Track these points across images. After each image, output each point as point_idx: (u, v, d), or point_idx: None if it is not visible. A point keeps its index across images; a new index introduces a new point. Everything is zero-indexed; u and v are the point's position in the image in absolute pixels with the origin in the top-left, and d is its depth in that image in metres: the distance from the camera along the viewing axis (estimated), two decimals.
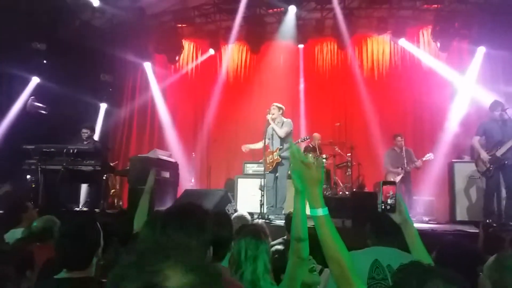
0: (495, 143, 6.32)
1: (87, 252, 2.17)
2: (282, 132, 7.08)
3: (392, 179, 7.98)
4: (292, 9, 9.84)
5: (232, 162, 10.64)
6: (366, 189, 9.09)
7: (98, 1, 9.10)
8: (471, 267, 2.33)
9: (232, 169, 10.29)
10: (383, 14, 10.34)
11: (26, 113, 8.59)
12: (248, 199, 7.80)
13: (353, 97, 10.57)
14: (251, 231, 2.62)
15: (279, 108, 7.23)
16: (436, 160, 8.35)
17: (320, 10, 10.43)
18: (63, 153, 6.69)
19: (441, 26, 9.59)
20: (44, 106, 8.69)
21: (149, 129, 11.51)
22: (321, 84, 11.19)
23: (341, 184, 9.43)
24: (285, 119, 7.26)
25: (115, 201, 9.55)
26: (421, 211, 8.10)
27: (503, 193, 6.39)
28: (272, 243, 3.83)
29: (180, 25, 11.03)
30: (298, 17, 10.25)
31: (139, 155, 8.91)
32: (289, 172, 7.26)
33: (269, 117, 7.10)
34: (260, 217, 6.54)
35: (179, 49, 11.16)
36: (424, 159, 8.02)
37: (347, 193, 8.86)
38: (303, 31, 10.72)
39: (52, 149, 6.81)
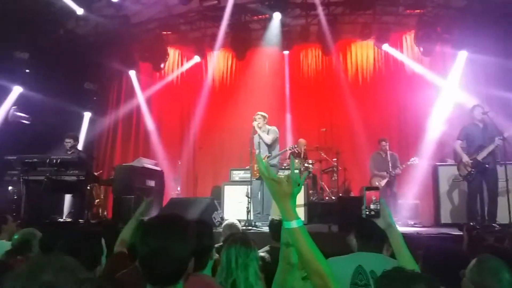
0: (476, 147, 6.40)
1: (86, 268, 2.12)
2: (268, 138, 7.08)
3: (377, 183, 8.04)
4: (277, 16, 9.88)
5: (219, 169, 10.61)
6: (352, 194, 9.15)
7: (82, 10, 9.03)
8: (457, 270, 2.36)
9: (219, 176, 10.24)
10: (366, 20, 10.46)
11: (8, 123, 8.45)
12: (235, 207, 7.76)
13: (338, 102, 10.64)
14: (241, 238, 2.60)
15: (264, 117, 7.24)
16: (420, 163, 8.42)
17: (304, 17, 10.52)
18: (46, 163, 6.58)
19: (423, 31, 9.71)
20: (27, 116, 8.56)
21: (134, 138, 11.40)
22: (306, 89, 11.25)
23: (327, 189, 9.47)
24: (270, 127, 7.27)
25: (100, 211, 9.43)
26: (407, 215, 8.15)
27: (486, 195, 6.46)
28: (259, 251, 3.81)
29: (165, 33, 11.00)
30: (283, 24, 10.30)
31: (124, 164, 8.84)
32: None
33: (255, 124, 7.10)
34: (247, 224, 6.52)
35: (164, 57, 11.13)
36: (408, 163, 8.09)
37: (333, 198, 8.89)
38: (288, 38, 10.77)
39: (35, 160, 6.69)
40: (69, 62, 9.55)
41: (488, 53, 8.77)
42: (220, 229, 5.46)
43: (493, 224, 6.08)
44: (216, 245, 3.45)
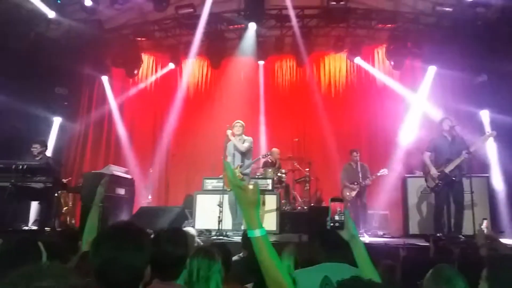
0: (444, 159, 6.57)
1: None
2: (243, 147, 7.08)
3: (348, 194, 8.15)
4: (252, 26, 9.96)
5: (192, 178, 10.52)
6: (324, 204, 9.22)
7: (54, 13, 8.86)
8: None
9: (192, 185, 10.14)
10: (340, 33, 10.67)
11: None
12: (207, 216, 7.71)
13: (311, 113, 10.79)
14: (204, 250, 2.58)
15: (243, 126, 7.25)
16: (390, 175, 8.58)
17: (279, 28, 10.64)
18: (11, 169, 6.39)
19: (394, 45, 10.01)
20: None
21: (105, 145, 11.18)
22: (280, 100, 11.35)
23: (300, 199, 9.53)
24: (246, 137, 7.28)
25: (68, 219, 9.18)
26: (376, 225, 8.30)
27: (452, 207, 6.62)
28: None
29: (139, 39, 10.91)
30: (258, 34, 10.40)
31: (92, 171, 8.66)
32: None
33: (229, 132, 7.09)
34: (218, 234, 6.48)
35: (138, 63, 11.04)
36: (378, 174, 8.22)
37: (305, 207, 8.94)
38: (263, 48, 10.89)
39: (0, 165, 6.50)
40: (39, 66, 9.33)
41: (456, 68, 9.09)
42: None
43: (459, 236, 6.23)
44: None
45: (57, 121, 10.57)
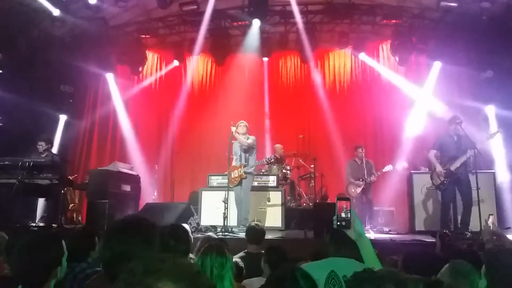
0: (449, 157, 6.54)
1: (43, 269, 2.09)
2: (247, 142, 7.11)
3: (353, 190, 8.14)
4: (256, 23, 9.93)
5: (196, 174, 10.57)
6: (329, 200, 9.22)
7: (58, 11, 8.89)
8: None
9: (197, 182, 10.18)
10: (344, 29, 10.63)
11: None
12: (212, 212, 7.75)
13: (316, 109, 10.76)
14: (216, 247, 2.58)
15: (246, 126, 7.28)
16: (395, 171, 8.56)
17: (283, 24, 10.61)
18: (18, 166, 6.43)
19: (399, 41, 9.95)
20: (0, 117, 8.37)
21: (110, 142, 11.23)
22: (285, 96, 11.34)
23: (305, 196, 9.53)
24: (249, 136, 7.30)
25: (74, 215, 9.24)
26: (382, 222, 8.28)
27: (459, 204, 6.59)
28: (234, 257, 3.80)
29: (143, 36, 10.94)
30: (262, 31, 10.38)
31: (99, 168, 8.70)
32: (252, 185, 7.34)
33: (233, 129, 7.10)
34: (223, 230, 6.50)
35: (143, 60, 11.05)
36: (383, 170, 8.19)
37: (310, 204, 8.94)
38: (267, 45, 10.86)
39: (7, 162, 6.55)
40: (45, 64, 9.38)
41: (461, 64, 9.04)
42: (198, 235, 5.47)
43: (465, 232, 6.21)
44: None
45: (62, 118, 10.62)
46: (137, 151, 10.89)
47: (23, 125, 8.58)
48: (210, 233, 4.65)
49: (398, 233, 7.62)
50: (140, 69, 11.11)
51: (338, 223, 2.04)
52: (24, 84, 8.83)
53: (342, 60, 11.30)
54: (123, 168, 8.36)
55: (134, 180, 8.54)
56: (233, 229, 6.67)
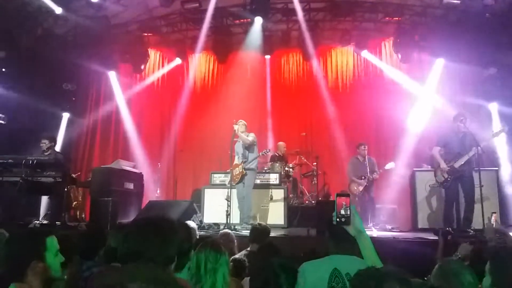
0: (454, 155, 6.52)
1: (18, 261, 2.12)
2: (248, 139, 7.13)
3: (355, 188, 8.13)
4: (258, 20, 9.91)
5: (199, 172, 10.59)
6: (331, 198, 9.20)
7: (61, 9, 8.90)
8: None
9: (199, 179, 10.21)
10: (346, 26, 10.61)
11: None
12: (215, 210, 7.77)
13: (318, 107, 10.75)
14: (211, 243, 2.61)
15: (245, 125, 7.32)
16: (398, 168, 8.54)
17: (286, 22, 10.59)
18: (21, 164, 6.45)
19: (402, 38, 9.92)
20: (2, 115, 8.39)
21: (113, 140, 11.25)
22: (287, 94, 11.33)
23: (307, 193, 9.53)
24: (249, 133, 7.31)
25: (78, 213, 9.28)
26: (384, 219, 8.26)
27: (462, 201, 6.58)
28: (236, 256, 3.81)
29: (145, 34, 10.94)
30: (265, 28, 10.37)
31: (102, 166, 8.72)
32: (255, 182, 7.36)
33: (236, 127, 7.12)
34: (226, 227, 6.51)
35: (145, 58, 11.06)
36: (386, 168, 8.18)
37: (313, 202, 8.95)
38: (270, 42, 10.85)
39: (10, 160, 6.56)
40: (47, 62, 9.40)
41: (464, 61, 9.00)
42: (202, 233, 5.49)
43: (468, 230, 6.21)
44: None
45: (65, 116, 10.65)
46: (139, 149, 10.91)
47: (26, 123, 8.61)
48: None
49: (400, 231, 7.59)
50: (142, 67, 11.12)
51: (338, 220, 2.04)
52: (26, 82, 8.85)
53: (344, 57, 11.27)
54: (126, 166, 8.38)
55: (137, 178, 8.57)
56: (236, 227, 6.69)
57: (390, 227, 7.90)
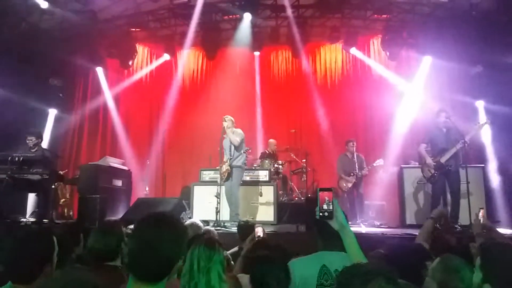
0: (439, 150, 6.61)
1: (34, 265, 2.08)
2: (236, 140, 7.09)
3: (344, 185, 8.17)
4: (247, 16, 9.87)
5: (188, 169, 10.54)
6: None
7: (47, 3, 8.75)
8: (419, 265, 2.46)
9: (189, 176, 10.17)
10: (335, 23, 10.62)
11: None
12: (205, 207, 7.74)
13: (308, 104, 10.79)
14: (205, 240, 2.58)
15: (232, 121, 7.25)
16: (386, 165, 8.62)
17: (275, 18, 10.57)
18: (7, 161, 6.35)
19: (390, 35, 9.98)
20: None
21: (101, 136, 11.13)
22: (276, 91, 11.33)
23: (297, 190, 9.56)
24: (236, 129, 7.26)
25: (65, 210, 9.17)
26: (373, 215, 8.33)
27: (449, 197, 6.67)
28: (227, 252, 3.80)
29: (133, 30, 10.82)
30: (254, 25, 10.34)
31: (89, 163, 8.63)
32: (244, 179, 7.36)
33: (225, 124, 7.08)
34: (216, 224, 6.50)
35: (133, 54, 10.95)
36: (374, 164, 8.23)
37: (302, 198, 8.98)
38: (259, 39, 10.82)
39: None
40: (32, 57, 9.24)
41: (451, 59, 9.07)
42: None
43: (455, 225, 6.28)
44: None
45: (52, 112, 10.51)
46: (128, 145, 10.82)
47: (12, 119, 8.46)
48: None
49: (389, 227, 7.66)
50: (130, 62, 11.01)
51: (321, 214, 2.04)
52: (11, 78, 8.68)
53: (333, 54, 11.32)
54: (114, 163, 8.31)
55: (126, 175, 8.50)
56: (226, 224, 6.67)
57: (378, 223, 7.97)
